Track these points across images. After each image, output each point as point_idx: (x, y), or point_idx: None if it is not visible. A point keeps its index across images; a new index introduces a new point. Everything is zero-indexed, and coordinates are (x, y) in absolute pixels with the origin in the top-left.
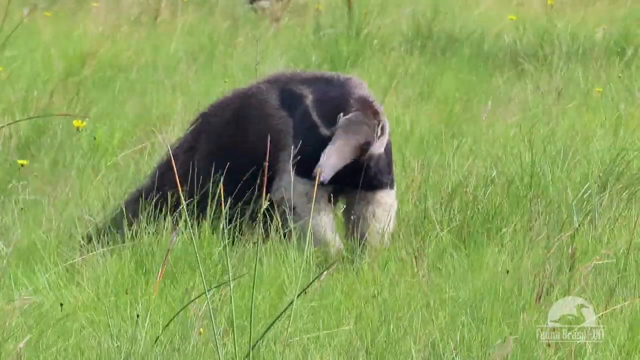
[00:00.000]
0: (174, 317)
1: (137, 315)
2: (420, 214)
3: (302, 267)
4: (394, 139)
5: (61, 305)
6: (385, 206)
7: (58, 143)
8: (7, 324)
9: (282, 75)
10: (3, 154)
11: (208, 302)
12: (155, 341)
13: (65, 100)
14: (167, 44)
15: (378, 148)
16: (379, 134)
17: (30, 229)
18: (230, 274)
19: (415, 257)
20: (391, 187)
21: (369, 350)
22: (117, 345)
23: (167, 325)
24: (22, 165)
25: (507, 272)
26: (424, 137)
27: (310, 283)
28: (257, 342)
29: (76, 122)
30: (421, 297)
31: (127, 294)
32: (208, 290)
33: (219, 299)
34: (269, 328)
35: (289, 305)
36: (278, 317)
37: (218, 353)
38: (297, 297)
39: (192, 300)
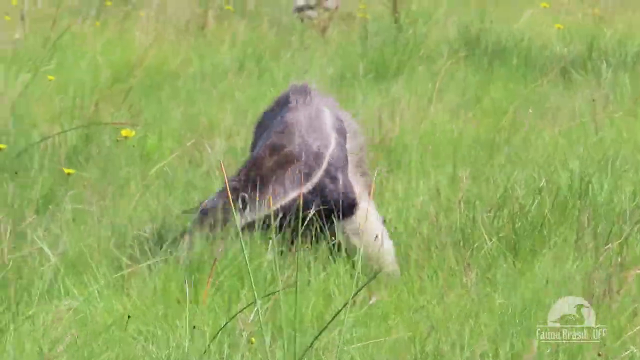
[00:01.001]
0: (224, 326)
1: (194, 327)
2: (468, 223)
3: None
4: (441, 148)
5: (110, 314)
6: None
7: (106, 152)
8: (53, 333)
9: None
10: (52, 163)
11: (259, 311)
12: (205, 352)
13: (112, 108)
14: (215, 53)
15: (253, 213)
16: (240, 207)
17: (79, 238)
18: (280, 283)
19: (464, 267)
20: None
21: (418, 359)
22: (166, 355)
23: (216, 335)
24: (70, 174)
25: (555, 282)
26: (471, 146)
27: (357, 291)
28: (305, 351)
29: (125, 132)
30: (470, 307)
31: (178, 303)
32: (257, 300)
33: (267, 309)
34: (316, 338)
35: (337, 314)
36: (326, 327)
37: None
38: (344, 306)
39: (241, 311)
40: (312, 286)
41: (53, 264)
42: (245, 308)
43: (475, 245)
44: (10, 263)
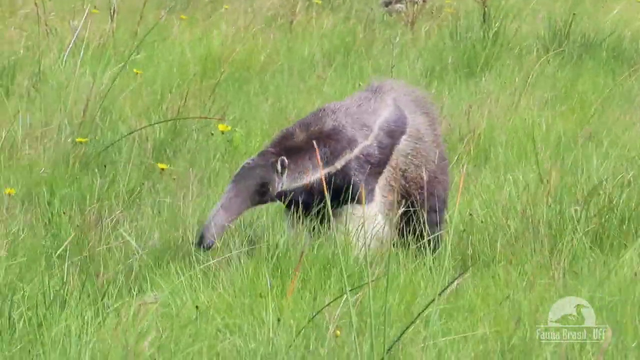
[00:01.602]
0: (311, 319)
1: (278, 320)
2: (555, 216)
3: (437, 269)
4: (529, 142)
5: (197, 307)
6: (355, 219)
7: (194, 146)
8: (139, 325)
9: None
10: (139, 156)
11: (350, 305)
12: (291, 346)
13: (200, 102)
14: (302, 47)
15: (292, 182)
16: (279, 170)
17: (166, 231)
18: (369, 277)
19: (551, 260)
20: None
21: (505, 354)
22: (252, 349)
23: (303, 328)
24: (159, 168)
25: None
26: (560, 139)
27: (446, 287)
28: (392, 345)
29: (221, 126)
30: (556, 300)
31: (261, 297)
32: (347, 293)
33: (353, 303)
34: (404, 331)
35: (425, 308)
36: (414, 320)
37: (357, 354)
38: (432, 301)
39: (329, 304)
40: (400, 280)
41: (139, 257)
42: (333, 301)
43: (563, 239)
44: (99, 256)
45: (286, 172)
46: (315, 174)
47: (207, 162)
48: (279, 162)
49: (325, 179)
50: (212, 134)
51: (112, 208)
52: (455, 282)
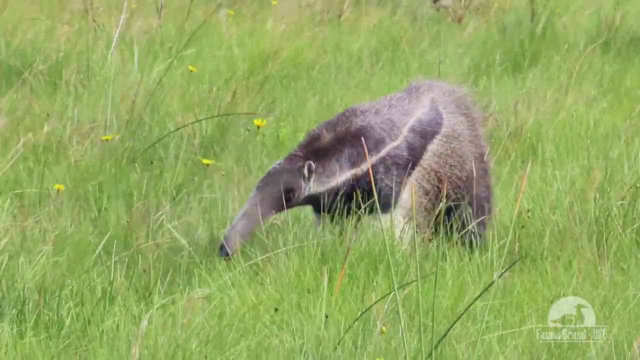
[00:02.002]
0: (360, 315)
1: (326, 316)
2: (602, 213)
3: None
4: (576, 138)
5: (243, 303)
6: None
7: (241, 142)
8: (188, 322)
9: None
10: (187, 152)
11: (398, 302)
12: (339, 342)
13: (247, 98)
14: (350, 43)
15: (319, 185)
16: (306, 175)
17: (213, 227)
18: (418, 273)
19: (598, 257)
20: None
21: (552, 351)
22: (300, 345)
23: (352, 325)
24: (207, 164)
25: None
26: (607, 135)
27: (492, 282)
28: (439, 340)
29: (256, 121)
30: (604, 297)
31: (309, 293)
32: (396, 290)
33: (400, 299)
34: (451, 326)
35: (471, 303)
36: (460, 316)
37: (405, 350)
38: (479, 295)
39: (378, 300)
40: (447, 276)
41: (187, 253)
42: (382, 298)
43: (610, 235)
44: (147, 252)
45: (313, 176)
46: (342, 176)
47: (253, 158)
48: (306, 167)
49: (351, 181)
50: (258, 128)
51: (159, 204)
52: (499, 276)
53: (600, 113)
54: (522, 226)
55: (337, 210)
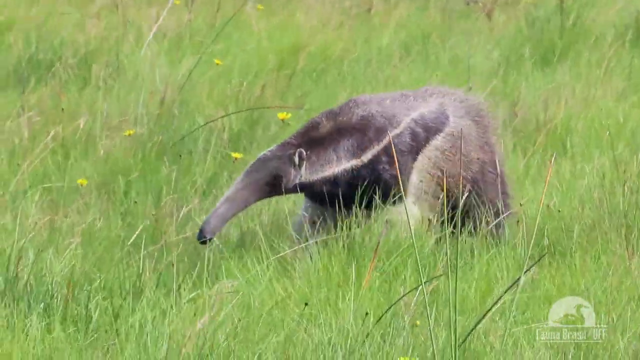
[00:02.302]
0: (388, 309)
1: (355, 310)
2: (632, 207)
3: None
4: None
5: (271, 297)
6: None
7: (270, 136)
8: (215, 315)
9: None
10: (216, 146)
11: (425, 296)
12: (367, 336)
13: (277, 92)
14: (380, 37)
15: (312, 174)
16: (296, 162)
17: (242, 221)
18: (448, 267)
19: (628, 251)
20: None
21: (580, 345)
22: (329, 339)
23: (380, 318)
24: (236, 158)
25: None
26: (636, 129)
27: (520, 276)
28: (468, 334)
29: (281, 115)
30: (633, 289)
31: (338, 287)
32: (423, 284)
33: (428, 293)
34: (480, 320)
35: (500, 297)
36: (489, 309)
37: (433, 344)
38: (508, 288)
39: (406, 294)
40: (475, 269)
41: (215, 247)
42: (409, 292)
43: (639, 229)
44: (175, 246)
45: (305, 163)
46: (340, 165)
47: None
48: (296, 154)
49: (351, 172)
50: (283, 121)
51: (188, 198)
52: (527, 270)
53: (630, 107)
54: (551, 220)
55: (338, 201)
